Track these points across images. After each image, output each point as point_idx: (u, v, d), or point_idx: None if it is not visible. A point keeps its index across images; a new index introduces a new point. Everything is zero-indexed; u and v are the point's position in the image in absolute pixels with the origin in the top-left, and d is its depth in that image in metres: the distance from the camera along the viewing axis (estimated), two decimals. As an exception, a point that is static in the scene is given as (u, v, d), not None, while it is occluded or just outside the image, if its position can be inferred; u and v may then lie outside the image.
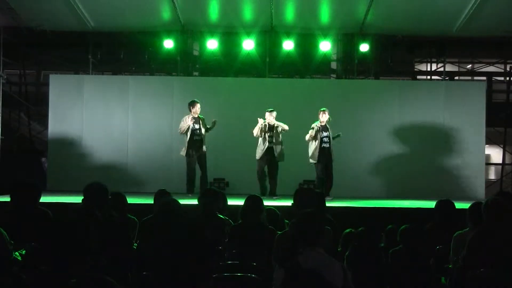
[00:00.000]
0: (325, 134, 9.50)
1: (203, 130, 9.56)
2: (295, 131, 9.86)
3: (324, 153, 9.48)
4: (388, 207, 8.61)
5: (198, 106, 9.52)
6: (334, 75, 13.01)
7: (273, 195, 9.43)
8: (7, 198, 5.49)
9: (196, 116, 9.54)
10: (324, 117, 9.49)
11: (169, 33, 11.43)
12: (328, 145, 9.50)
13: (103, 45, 11.95)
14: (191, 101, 9.59)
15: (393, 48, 11.99)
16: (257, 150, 9.57)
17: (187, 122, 9.45)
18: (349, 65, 12.52)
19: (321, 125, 9.50)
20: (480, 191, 10.97)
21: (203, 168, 9.65)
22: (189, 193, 9.44)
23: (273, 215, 5.52)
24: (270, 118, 9.50)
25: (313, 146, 9.46)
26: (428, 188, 10.66)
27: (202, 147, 9.57)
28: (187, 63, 12.47)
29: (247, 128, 9.83)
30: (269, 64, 11.95)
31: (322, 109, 9.54)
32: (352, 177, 10.81)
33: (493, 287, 3.76)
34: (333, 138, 9.60)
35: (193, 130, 9.50)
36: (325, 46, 11.49)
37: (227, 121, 10.61)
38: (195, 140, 9.52)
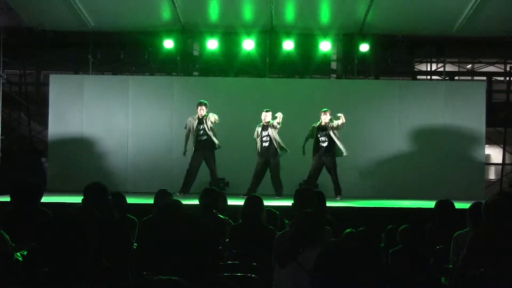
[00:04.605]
0: (323, 133, 9.55)
1: (208, 129, 9.50)
2: (295, 131, 9.86)
3: (320, 152, 9.54)
4: (388, 207, 8.61)
5: (202, 108, 9.49)
6: (334, 75, 13.01)
7: (277, 195, 9.48)
8: (7, 198, 5.49)
9: (201, 117, 9.54)
10: (325, 118, 9.51)
11: (169, 33, 11.43)
12: (326, 144, 9.53)
13: (103, 45, 11.95)
14: (198, 102, 9.60)
15: (393, 48, 11.98)
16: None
17: (190, 124, 9.53)
18: (349, 65, 12.52)
19: (320, 125, 9.54)
20: (480, 191, 10.95)
21: (211, 170, 9.62)
22: (181, 191, 9.41)
23: (273, 215, 5.52)
24: (266, 118, 9.51)
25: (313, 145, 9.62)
26: (428, 188, 10.65)
27: (208, 147, 9.54)
28: (187, 63, 12.47)
29: (247, 128, 9.84)
30: (269, 64, 11.94)
31: (323, 110, 9.59)
32: (352, 177, 10.80)
33: (493, 287, 3.76)
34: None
35: (197, 131, 9.54)
36: (325, 46, 11.49)
37: (227, 121, 10.60)
38: (199, 141, 9.54)
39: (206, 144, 9.53)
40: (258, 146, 9.57)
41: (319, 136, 9.55)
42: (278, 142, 9.48)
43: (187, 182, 9.65)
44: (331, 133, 9.49)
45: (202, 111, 9.50)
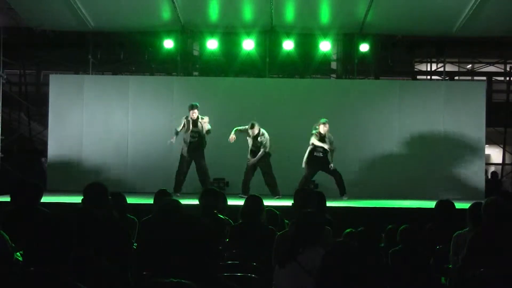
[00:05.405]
0: (320, 144, 9.51)
1: (201, 131, 9.54)
2: (295, 131, 9.87)
3: (316, 161, 9.54)
4: (388, 207, 8.61)
5: (194, 112, 9.48)
6: (334, 75, 13.02)
7: (275, 195, 9.48)
8: (7, 198, 5.49)
9: (194, 119, 9.56)
10: (324, 129, 9.50)
11: (169, 33, 11.42)
12: (321, 155, 9.54)
13: (103, 45, 11.95)
14: (189, 105, 9.60)
15: (393, 48, 11.98)
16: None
17: (181, 123, 9.54)
18: (349, 65, 12.53)
19: (320, 136, 9.52)
20: (480, 191, 10.96)
21: (200, 170, 9.63)
22: (175, 192, 9.37)
23: (273, 215, 5.52)
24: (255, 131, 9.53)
25: (307, 151, 9.54)
26: (428, 188, 10.65)
27: (198, 148, 9.59)
28: (187, 63, 12.47)
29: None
30: (269, 64, 11.94)
31: (323, 121, 9.55)
32: (352, 177, 10.79)
33: (493, 287, 3.76)
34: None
35: (191, 132, 9.55)
36: (325, 46, 11.48)
37: (227, 121, 10.61)
38: (191, 142, 9.57)
39: (196, 146, 9.58)
40: (250, 144, 9.59)
41: (316, 146, 9.50)
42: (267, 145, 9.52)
43: (178, 182, 9.67)
44: (327, 146, 9.48)
45: (195, 114, 9.50)
